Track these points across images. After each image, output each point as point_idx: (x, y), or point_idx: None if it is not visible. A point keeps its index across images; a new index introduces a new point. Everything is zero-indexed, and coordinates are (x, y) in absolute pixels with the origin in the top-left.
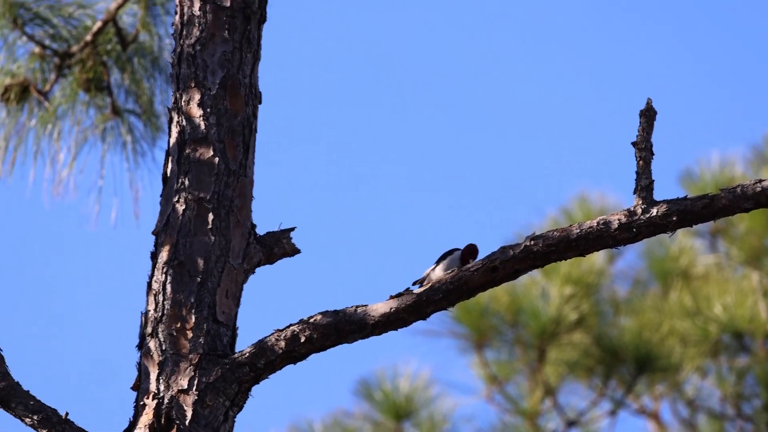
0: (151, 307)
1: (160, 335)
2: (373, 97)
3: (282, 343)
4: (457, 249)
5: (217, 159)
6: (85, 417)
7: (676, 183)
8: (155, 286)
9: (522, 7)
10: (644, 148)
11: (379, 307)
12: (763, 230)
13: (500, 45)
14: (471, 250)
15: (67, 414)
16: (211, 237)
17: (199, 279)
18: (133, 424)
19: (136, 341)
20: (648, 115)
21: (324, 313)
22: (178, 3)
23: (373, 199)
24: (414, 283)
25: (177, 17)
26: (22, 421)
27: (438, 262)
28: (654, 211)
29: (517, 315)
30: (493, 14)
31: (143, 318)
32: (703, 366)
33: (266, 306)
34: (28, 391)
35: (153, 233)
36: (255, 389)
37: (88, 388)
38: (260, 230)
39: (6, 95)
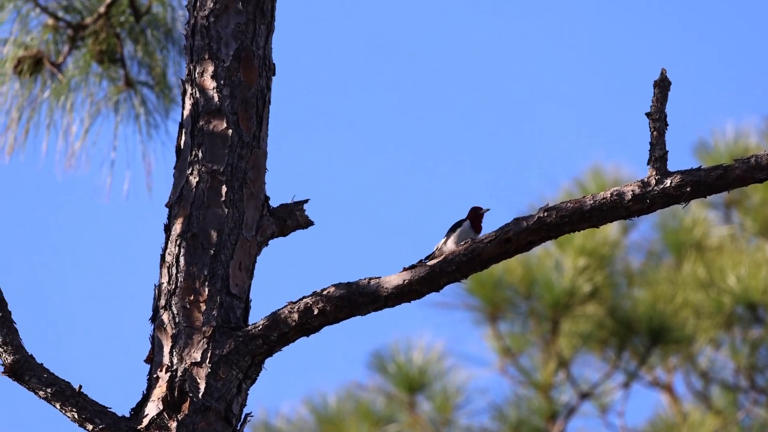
0: (165, 279)
1: (174, 308)
2: (388, 71)
3: (295, 316)
4: (464, 219)
5: (230, 131)
6: (98, 390)
7: (691, 154)
8: (168, 258)
9: None
10: (658, 119)
11: (393, 279)
12: None
13: (513, 13)
14: (476, 214)
15: (80, 387)
16: (224, 209)
17: (212, 251)
18: (146, 396)
19: (150, 314)
20: (662, 85)
21: (337, 285)
22: None
23: (387, 171)
24: (426, 258)
25: None
26: (36, 394)
27: (448, 235)
28: (668, 182)
29: (530, 287)
30: None
31: (156, 290)
32: (717, 338)
33: (279, 278)
34: (41, 364)
35: (166, 206)
36: (268, 362)
37: (101, 361)
38: (274, 202)
39: (19, 67)
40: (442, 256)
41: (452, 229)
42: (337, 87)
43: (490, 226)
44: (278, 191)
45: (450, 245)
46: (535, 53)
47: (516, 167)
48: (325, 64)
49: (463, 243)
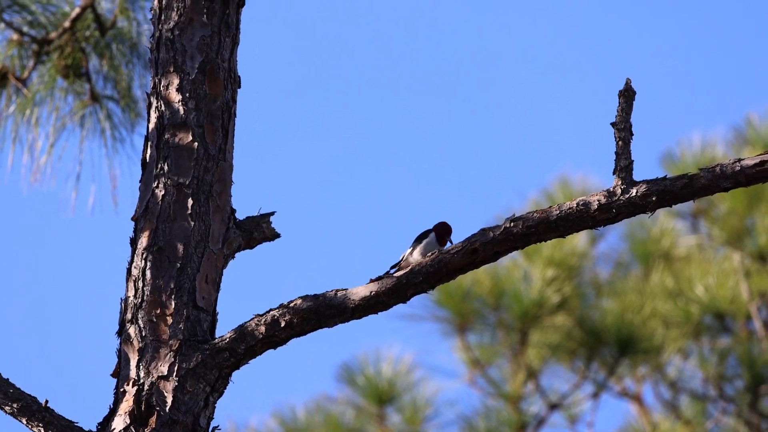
0: (131, 293)
1: (140, 321)
2: (349, 81)
3: (262, 328)
4: (430, 231)
5: (196, 144)
6: (65, 404)
7: (658, 164)
8: (135, 272)
9: None
10: (623, 129)
11: (360, 290)
12: (744, 211)
13: (479, 29)
14: (444, 228)
15: (46, 401)
16: (190, 222)
17: (178, 264)
18: (113, 411)
19: (116, 328)
20: (627, 95)
21: (304, 298)
22: None
23: (352, 182)
24: (392, 267)
25: (155, 2)
26: (2, 409)
27: (414, 245)
28: (633, 192)
29: (499, 298)
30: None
31: (123, 304)
32: (685, 347)
33: (246, 291)
34: (7, 379)
35: (132, 219)
36: (236, 375)
37: (67, 376)
38: (240, 215)
39: None
40: (409, 268)
41: (418, 240)
42: (301, 100)
43: (457, 237)
44: (244, 204)
45: (416, 256)
46: (501, 67)
47: (484, 179)
48: (286, 75)
49: (429, 254)
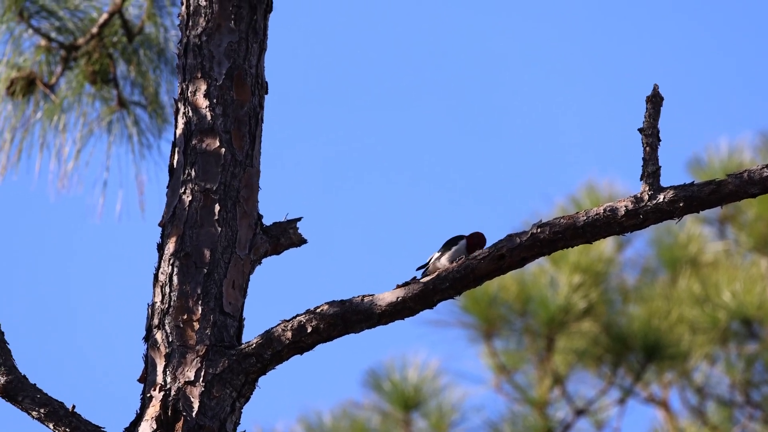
0: (158, 298)
1: (167, 327)
2: (379, 86)
3: (288, 334)
4: (462, 236)
5: (223, 149)
6: (92, 410)
7: (685, 170)
8: (162, 277)
9: None
10: (651, 135)
11: (386, 296)
12: None
13: (504, 30)
14: (478, 240)
15: (74, 407)
16: (217, 228)
17: (205, 270)
18: (140, 416)
19: (143, 333)
20: (654, 101)
21: (330, 303)
22: None
23: (380, 187)
24: (418, 269)
25: (183, 8)
26: (29, 414)
27: (442, 250)
28: (661, 198)
29: (525, 304)
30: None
31: (150, 310)
32: (712, 353)
33: (273, 296)
34: (34, 384)
35: (159, 225)
36: (263, 380)
37: (94, 381)
38: (267, 221)
39: (12, 88)
40: (436, 273)
41: (447, 245)
42: (329, 105)
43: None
44: (271, 210)
45: (444, 262)
46: (527, 70)
47: (510, 184)
48: (314, 81)
49: (457, 260)
